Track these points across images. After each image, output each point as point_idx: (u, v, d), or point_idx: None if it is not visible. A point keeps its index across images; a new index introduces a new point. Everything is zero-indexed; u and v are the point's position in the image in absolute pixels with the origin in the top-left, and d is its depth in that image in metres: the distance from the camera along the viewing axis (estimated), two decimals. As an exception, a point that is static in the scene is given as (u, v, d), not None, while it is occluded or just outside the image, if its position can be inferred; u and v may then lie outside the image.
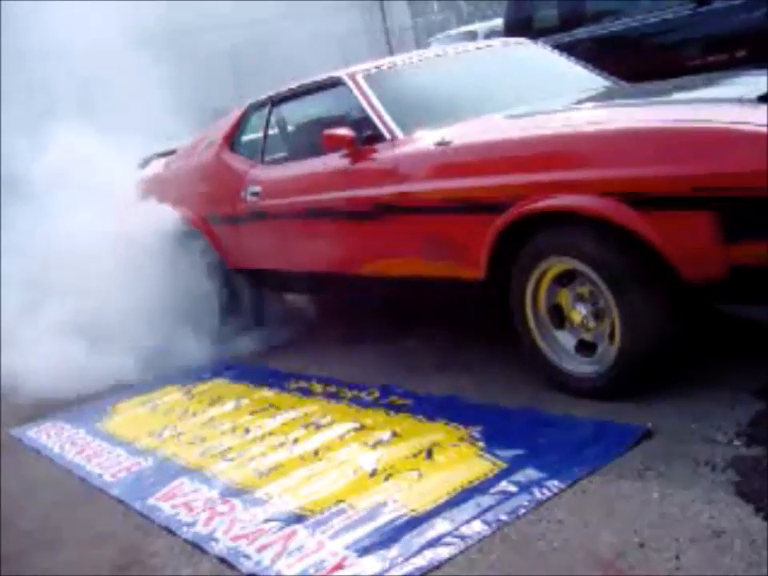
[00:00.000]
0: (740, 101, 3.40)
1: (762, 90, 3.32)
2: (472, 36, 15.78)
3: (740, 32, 5.96)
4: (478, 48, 5.54)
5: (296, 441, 3.87)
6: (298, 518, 3.15)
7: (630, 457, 3.03)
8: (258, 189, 5.21)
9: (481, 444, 3.38)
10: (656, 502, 2.72)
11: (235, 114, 5.75)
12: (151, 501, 3.62)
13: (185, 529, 3.31)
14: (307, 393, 4.47)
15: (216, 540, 3.17)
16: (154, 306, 5.50)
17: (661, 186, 3.13)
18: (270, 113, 5.45)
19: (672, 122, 3.29)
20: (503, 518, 2.84)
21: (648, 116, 3.61)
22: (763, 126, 2.97)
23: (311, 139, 4.83)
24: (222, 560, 3.05)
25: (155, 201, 6.14)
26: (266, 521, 3.20)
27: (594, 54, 6.21)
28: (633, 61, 6.25)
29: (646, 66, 5.96)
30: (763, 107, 3.21)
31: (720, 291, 3.17)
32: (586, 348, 3.60)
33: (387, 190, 4.18)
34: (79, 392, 5.15)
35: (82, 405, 5.07)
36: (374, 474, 3.36)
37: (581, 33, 7.00)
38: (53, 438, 4.67)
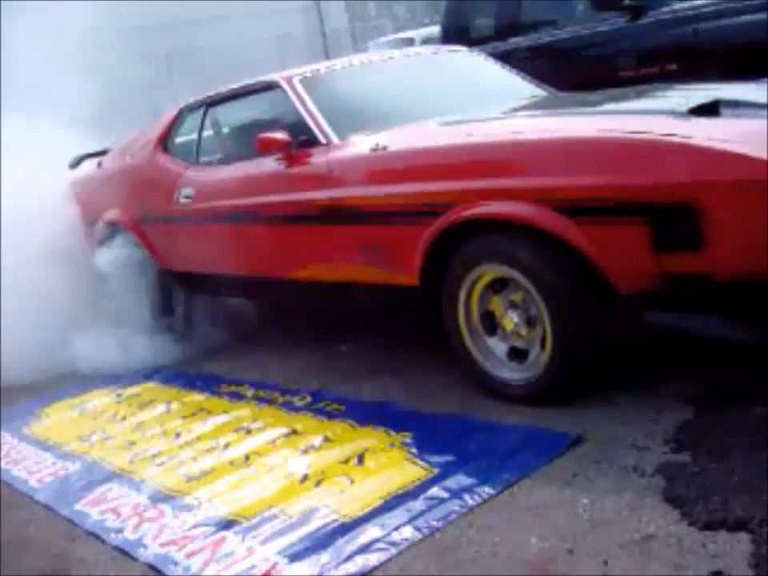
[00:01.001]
0: (671, 113, 3.45)
1: (692, 103, 3.39)
2: (409, 42, 15.81)
3: (671, 46, 6.05)
4: (415, 54, 5.56)
5: (227, 446, 3.84)
6: (228, 524, 3.13)
7: (560, 463, 3.06)
8: (191, 191, 5.16)
9: (412, 450, 3.39)
10: (585, 508, 2.75)
11: (169, 115, 5.69)
12: (79, 506, 3.57)
13: (113, 535, 3.26)
14: (239, 397, 4.45)
15: (145, 546, 3.13)
16: (83, 308, 5.44)
17: (593, 195, 3.16)
18: (204, 114, 5.40)
19: (605, 132, 3.33)
20: (434, 523, 2.84)
21: (581, 126, 3.65)
22: (692, 138, 3.02)
23: (246, 142, 4.79)
24: (151, 566, 3.01)
25: (87, 201, 6.07)
26: (196, 526, 3.17)
27: (530, 63, 6.28)
28: (567, 71, 6.31)
29: (580, 76, 6.02)
30: (693, 120, 3.28)
31: (650, 300, 3.22)
32: (517, 355, 3.63)
33: (322, 194, 4.16)
34: (4, 395, 5.04)
35: (8, 408, 4.97)
36: (305, 479, 3.34)
37: (517, 42, 7.05)
38: (-23, 441, 4.58)
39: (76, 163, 6.49)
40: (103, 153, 6.33)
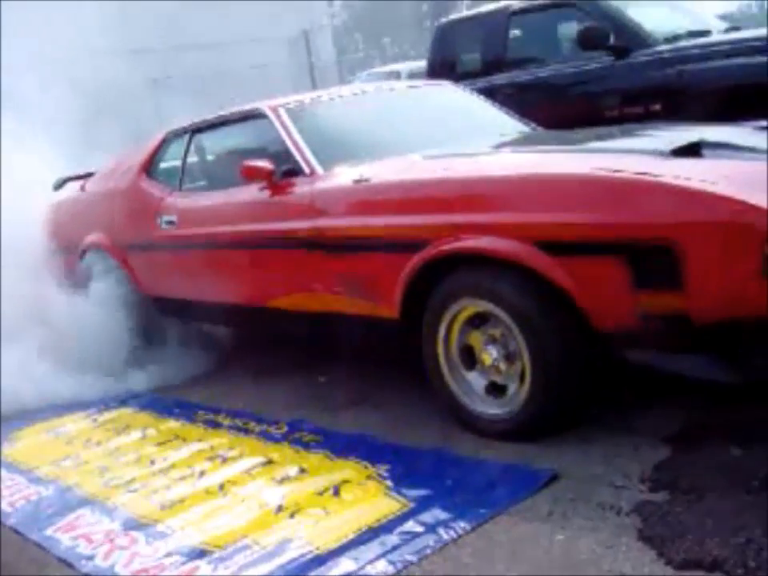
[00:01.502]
0: (654, 153, 3.48)
1: (675, 144, 3.41)
2: (396, 75, 15.92)
3: (655, 87, 6.11)
4: (401, 87, 5.59)
5: (201, 474, 3.81)
6: (201, 553, 3.09)
7: (537, 499, 3.05)
8: (173, 217, 5.16)
9: (388, 483, 3.37)
10: (561, 546, 2.74)
11: (154, 140, 5.69)
12: (49, 531, 3.52)
13: (83, 562, 3.22)
14: (215, 425, 4.41)
15: (115, 574, 3.09)
16: (61, 331, 5.40)
17: (573, 232, 3.18)
18: (189, 141, 5.41)
19: (587, 169, 3.34)
20: (408, 558, 2.82)
21: (564, 163, 3.68)
22: (674, 178, 3.04)
23: (230, 170, 4.79)
24: (121, 595, 2.98)
25: (69, 224, 6.05)
26: (168, 555, 3.14)
27: (515, 100, 6.32)
28: (552, 108, 6.36)
29: (565, 114, 6.07)
30: (676, 160, 3.31)
31: (630, 338, 3.22)
32: (496, 390, 3.62)
33: (304, 224, 4.17)
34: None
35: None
36: (279, 510, 3.32)
37: (502, 78, 7.10)
38: (-52, 464, 4.52)
39: (60, 185, 6.48)
40: (87, 176, 6.32)
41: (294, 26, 21.77)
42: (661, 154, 3.40)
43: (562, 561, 2.66)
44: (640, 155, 3.58)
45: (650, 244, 2.99)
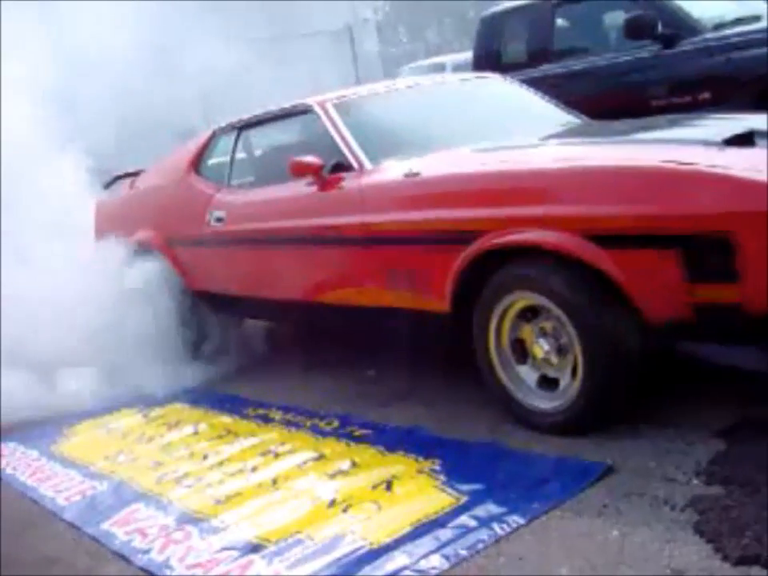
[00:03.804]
0: (705, 143, 3.44)
1: (726, 133, 3.37)
2: (440, 68, 15.86)
3: (703, 75, 6.04)
4: (448, 80, 5.57)
5: (254, 469, 3.83)
6: (255, 548, 3.12)
7: (590, 494, 3.03)
8: (222, 213, 5.19)
9: (440, 477, 3.37)
10: (615, 541, 2.72)
11: (202, 137, 5.73)
12: (105, 526, 3.57)
13: (139, 556, 3.26)
14: (266, 420, 4.44)
15: (171, 568, 3.12)
16: (113, 329, 5.45)
17: (625, 224, 3.16)
18: (237, 137, 5.44)
19: (638, 161, 3.32)
20: (462, 552, 2.82)
21: (615, 154, 3.64)
22: (728, 169, 3.01)
23: (278, 166, 4.80)
24: (177, 589, 3.01)
25: (119, 222, 6.10)
26: (222, 549, 3.16)
27: (561, 91, 6.27)
28: (599, 99, 6.31)
29: (612, 105, 6.02)
30: (728, 150, 3.27)
31: (682, 330, 3.20)
32: (548, 383, 3.60)
33: (353, 219, 4.17)
34: (35, 414, 5.05)
35: (37, 427, 4.98)
36: (332, 504, 3.33)
37: (548, 69, 7.06)
38: (6, 459, 4.59)
39: (110, 183, 6.55)
40: (137, 173, 6.38)
41: (338, 21, 21.77)
42: (713, 143, 3.36)
43: (618, 556, 2.64)
44: (691, 145, 3.54)
45: (704, 235, 2.96)
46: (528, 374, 3.67)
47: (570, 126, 4.79)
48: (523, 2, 7.72)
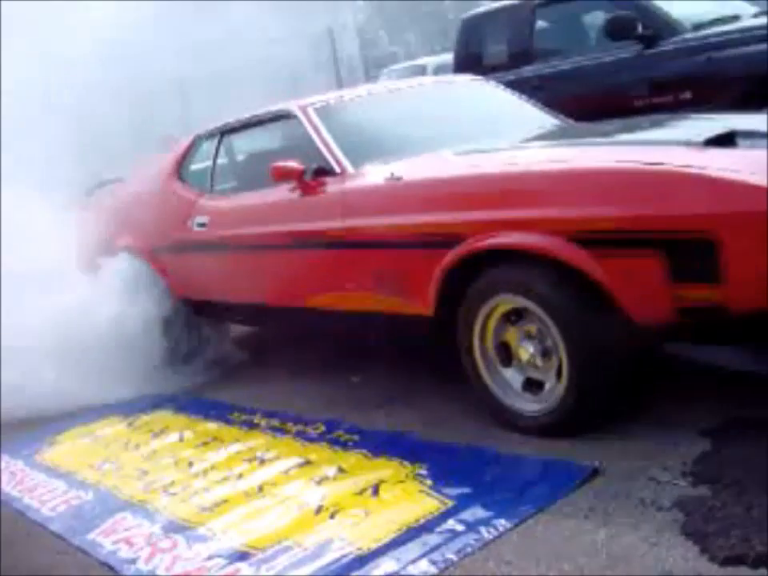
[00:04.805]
0: (687, 143, 3.45)
1: (707, 134, 3.38)
2: (421, 70, 15.86)
3: (685, 75, 6.06)
4: (429, 83, 5.58)
5: (240, 476, 3.82)
6: (242, 555, 3.10)
7: (577, 496, 3.03)
8: (205, 219, 5.18)
9: (427, 482, 3.36)
10: (603, 543, 2.72)
11: (184, 143, 5.71)
12: (91, 536, 3.54)
13: (126, 566, 3.24)
14: (251, 426, 4.42)
15: (157, 578, 3.11)
16: (96, 335, 5.42)
17: (608, 226, 3.16)
18: (219, 143, 5.43)
19: (621, 163, 3.32)
20: (450, 557, 2.82)
21: (597, 156, 3.64)
22: (709, 169, 3.01)
23: (260, 171, 4.79)
24: (164, 598, 2.99)
25: (101, 229, 6.08)
26: (210, 557, 3.15)
27: (542, 92, 6.29)
28: (580, 99, 6.32)
29: (594, 105, 6.03)
30: (710, 150, 3.27)
31: (667, 331, 3.20)
32: (533, 386, 3.61)
33: (336, 223, 4.17)
34: (17, 421, 5.02)
35: (20, 434, 4.95)
36: (319, 510, 3.32)
37: (529, 70, 7.07)
38: (-11, 469, 4.56)
39: (91, 191, 6.52)
40: (118, 180, 6.36)
41: (318, 24, 21.76)
42: (695, 144, 3.37)
43: (605, 558, 2.64)
44: (674, 146, 3.55)
45: (687, 236, 2.96)
46: (513, 376, 3.66)
47: (553, 128, 4.79)
48: (504, 4, 7.74)
